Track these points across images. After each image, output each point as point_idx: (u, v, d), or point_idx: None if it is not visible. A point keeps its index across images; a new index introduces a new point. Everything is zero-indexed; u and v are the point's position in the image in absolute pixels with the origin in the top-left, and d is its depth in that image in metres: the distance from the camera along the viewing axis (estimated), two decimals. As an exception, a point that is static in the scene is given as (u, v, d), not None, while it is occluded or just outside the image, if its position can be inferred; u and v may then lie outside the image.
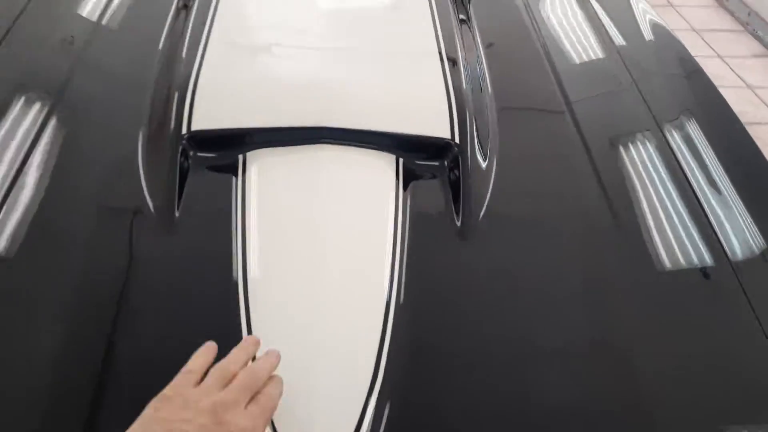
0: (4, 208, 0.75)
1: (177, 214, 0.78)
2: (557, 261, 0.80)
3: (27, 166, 0.80)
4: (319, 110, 0.87)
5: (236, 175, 0.80)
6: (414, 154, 0.87)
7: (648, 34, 1.27)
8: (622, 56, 1.17)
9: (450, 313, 0.71)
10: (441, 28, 1.08)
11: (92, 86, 0.97)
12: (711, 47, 3.64)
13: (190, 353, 0.58)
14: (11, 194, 0.76)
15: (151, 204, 0.79)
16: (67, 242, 0.74)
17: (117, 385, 0.63)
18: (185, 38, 1.01)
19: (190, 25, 1.03)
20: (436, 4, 1.14)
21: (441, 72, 0.98)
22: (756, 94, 3.23)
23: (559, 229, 0.84)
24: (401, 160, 0.85)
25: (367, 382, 0.61)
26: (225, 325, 0.66)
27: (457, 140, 0.88)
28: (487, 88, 1.05)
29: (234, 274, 0.69)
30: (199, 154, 0.84)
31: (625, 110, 1.07)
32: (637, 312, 0.74)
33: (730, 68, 3.46)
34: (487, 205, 0.85)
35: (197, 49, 0.96)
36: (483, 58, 1.11)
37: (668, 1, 4.13)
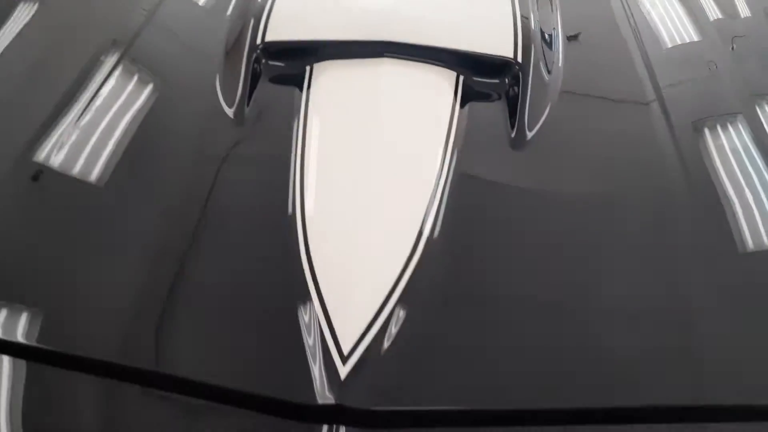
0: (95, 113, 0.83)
1: (246, 111, 0.85)
2: (608, 193, 0.78)
3: (121, 72, 0.90)
4: (384, 25, 0.93)
5: (302, 84, 0.86)
6: (475, 72, 0.89)
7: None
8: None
9: (488, 220, 0.74)
10: None
11: (180, 15, 1.08)
12: None
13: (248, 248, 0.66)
14: (105, 99, 0.85)
15: (225, 105, 0.86)
16: (154, 131, 0.83)
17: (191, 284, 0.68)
18: None
19: None
20: None
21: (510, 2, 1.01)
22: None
23: (614, 161, 0.82)
24: (461, 78, 0.87)
25: (405, 256, 0.64)
26: (278, 208, 0.70)
27: (519, 60, 0.91)
28: (558, 30, 1.06)
29: (291, 169, 0.74)
30: (271, 62, 0.91)
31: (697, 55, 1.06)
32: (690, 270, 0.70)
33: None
34: (544, 120, 0.86)
35: None
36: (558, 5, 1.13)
37: None
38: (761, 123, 0.89)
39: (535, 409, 0.58)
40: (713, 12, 1.13)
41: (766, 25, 1.16)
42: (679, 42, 1.08)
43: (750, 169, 0.81)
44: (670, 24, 1.11)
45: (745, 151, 0.83)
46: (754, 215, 0.76)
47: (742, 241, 0.73)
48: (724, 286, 0.68)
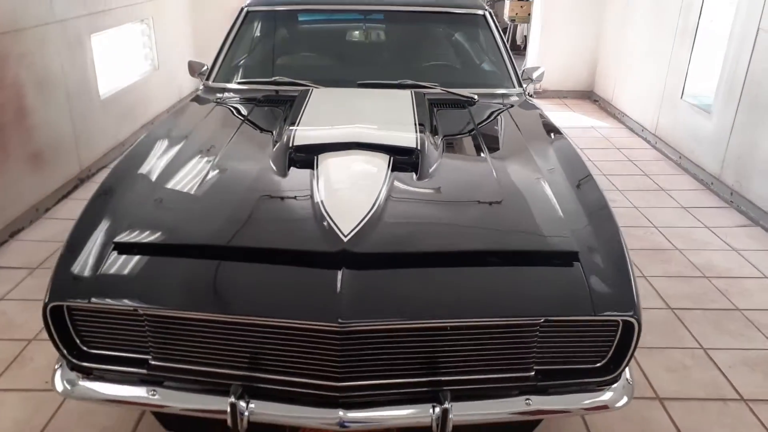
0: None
1: (288, 173, 2.07)
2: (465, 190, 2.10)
3: (224, 161, 2.18)
4: (353, 134, 2.24)
5: (313, 163, 2.06)
6: (398, 153, 2.15)
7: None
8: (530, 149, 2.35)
9: (406, 207, 1.91)
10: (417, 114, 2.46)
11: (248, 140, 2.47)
12: (699, 220, 3.95)
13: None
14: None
15: (275, 169, 2.09)
16: (236, 175, 2.13)
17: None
18: (289, 117, 2.43)
19: (292, 111, 2.48)
20: (416, 105, 2.56)
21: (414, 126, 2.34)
22: (741, 255, 3.46)
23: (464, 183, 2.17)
24: (391, 158, 2.10)
25: (371, 203, 1.78)
26: (307, 203, 1.85)
27: (418, 147, 2.14)
28: (439, 128, 2.45)
29: (312, 192, 1.92)
30: (297, 153, 2.14)
31: (517, 162, 2.26)
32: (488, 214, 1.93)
33: (717, 236, 3.72)
34: (431, 171, 2.09)
35: (296, 118, 2.40)
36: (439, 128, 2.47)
37: (660, 187, 4.51)
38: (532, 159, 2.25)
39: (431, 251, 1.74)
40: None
41: None
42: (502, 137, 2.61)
43: (521, 189, 2.03)
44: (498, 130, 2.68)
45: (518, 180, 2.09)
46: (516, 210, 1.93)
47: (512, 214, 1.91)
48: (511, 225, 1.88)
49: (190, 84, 6.76)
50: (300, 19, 3.44)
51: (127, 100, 5.18)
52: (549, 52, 6.95)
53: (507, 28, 9.03)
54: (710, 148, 4.48)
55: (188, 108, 2.81)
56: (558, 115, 6.40)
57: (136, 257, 1.65)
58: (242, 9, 3.21)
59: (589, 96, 7.11)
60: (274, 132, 2.37)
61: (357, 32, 3.44)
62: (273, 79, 2.91)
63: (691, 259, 3.42)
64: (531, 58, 7.23)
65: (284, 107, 2.61)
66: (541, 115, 2.81)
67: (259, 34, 3.35)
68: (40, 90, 3.82)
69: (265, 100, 2.81)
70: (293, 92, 2.73)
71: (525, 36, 8.77)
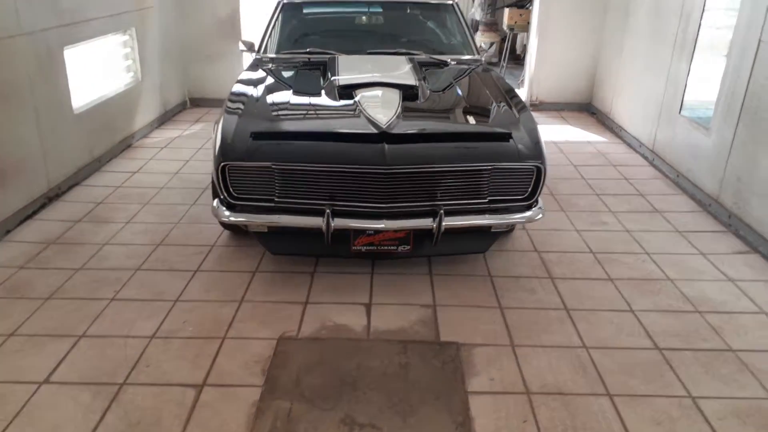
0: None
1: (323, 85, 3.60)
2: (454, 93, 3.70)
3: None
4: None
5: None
6: (405, 89, 3.39)
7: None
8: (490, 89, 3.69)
9: (417, 105, 3.31)
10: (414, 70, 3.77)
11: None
12: (694, 246, 3.73)
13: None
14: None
15: (324, 88, 3.54)
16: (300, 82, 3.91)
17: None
18: (329, 71, 3.77)
19: (329, 68, 3.80)
20: (412, 68, 3.79)
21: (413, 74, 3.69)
22: (737, 286, 3.24)
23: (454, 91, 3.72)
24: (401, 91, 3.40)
25: (396, 103, 3.16)
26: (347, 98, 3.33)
27: (417, 84, 3.47)
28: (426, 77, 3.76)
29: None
30: (343, 90, 3.43)
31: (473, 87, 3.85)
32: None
33: (712, 264, 3.50)
34: (426, 98, 3.43)
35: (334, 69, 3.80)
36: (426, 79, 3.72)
37: (655, 208, 4.28)
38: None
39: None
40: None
41: None
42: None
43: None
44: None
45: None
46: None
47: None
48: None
49: (177, 96, 6.62)
50: (321, 9, 4.89)
51: (106, 114, 5.03)
52: (546, 62, 6.75)
53: (506, 37, 8.82)
54: (709, 167, 4.26)
55: (253, 70, 4.04)
56: (554, 129, 6.20)
57: (266, 140, 2.93)
58: (279, 2, 4.70)
59: (587, 108, 6.90)
60: (321, 80, 3.70)
61: (364, 17, 4.91)
62: (307, 50, 4.32)
63: (683, 291, 3.20)
64: (529, 68, 7.03)
65: (318, 67, 3.99)
66: (493, 73, 4.08)
67: (293, 20, 4.70)
68: (3, 105, 3.67)
69: (303, 64, 4.20)
70: (321, 59, 4.11)
71: (525, 45, 8.58)
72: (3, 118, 3.67)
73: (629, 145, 5.67)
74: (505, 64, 8.90)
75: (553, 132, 6.08)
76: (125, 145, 5.37)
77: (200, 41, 6.71)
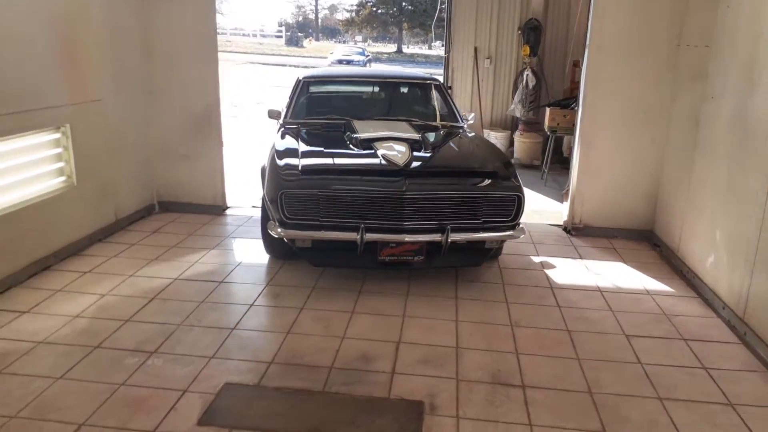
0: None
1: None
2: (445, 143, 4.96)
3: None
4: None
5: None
6: (412, 143, 4.50)
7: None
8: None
9: (431, 150, 4.58)
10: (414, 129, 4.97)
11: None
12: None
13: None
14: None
15: (348, 141, 4.66)
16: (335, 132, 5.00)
17: None
18: (349, 130, 4.90)
19: (349, 128, 4.94)
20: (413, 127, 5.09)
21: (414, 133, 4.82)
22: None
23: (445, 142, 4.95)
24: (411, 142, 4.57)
25: (407, 151, 4.28)
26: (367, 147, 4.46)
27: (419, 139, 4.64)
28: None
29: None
30: (363, 143, 4.53)
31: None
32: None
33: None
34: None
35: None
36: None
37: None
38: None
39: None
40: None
41: None
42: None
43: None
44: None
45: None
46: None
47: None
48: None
49: (138, 200, 5.56)
50: (334, 84, 6.27)
51: (15, 228, 3.94)
52: (592, 175, 5.36)
53: (548, 138, 7.51)
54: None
55: (282, 134, 4.85)
56: (602, 267, 4.71)
57: (312, 175, 3.95)
58: (299, 79, 5.61)
59: (647, 238, 5.38)
60: (343, 136, 4.73)
61: (369, 91, 6.01)
62: (326, 117, 5.31)
63: None
64: (572, 182, 5.62)
65: (339, 128, 4.93)
66: (476, 135, 5.34)
67: (311, 92, 5.69)
68: None
69: (324, 126, 5.16)
70: (339, 123, 5.06)
71: (571, 147, 7.24)
72: None
73: (707, 302, 4.08)
74: (546, 169, 7.55)
75: (600, 271, 4.60)
76: (40, 267, 4.24)
77: (172, 139, 5.71)
